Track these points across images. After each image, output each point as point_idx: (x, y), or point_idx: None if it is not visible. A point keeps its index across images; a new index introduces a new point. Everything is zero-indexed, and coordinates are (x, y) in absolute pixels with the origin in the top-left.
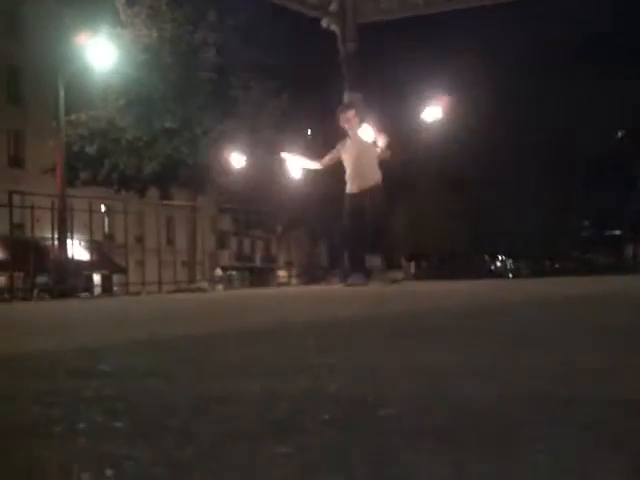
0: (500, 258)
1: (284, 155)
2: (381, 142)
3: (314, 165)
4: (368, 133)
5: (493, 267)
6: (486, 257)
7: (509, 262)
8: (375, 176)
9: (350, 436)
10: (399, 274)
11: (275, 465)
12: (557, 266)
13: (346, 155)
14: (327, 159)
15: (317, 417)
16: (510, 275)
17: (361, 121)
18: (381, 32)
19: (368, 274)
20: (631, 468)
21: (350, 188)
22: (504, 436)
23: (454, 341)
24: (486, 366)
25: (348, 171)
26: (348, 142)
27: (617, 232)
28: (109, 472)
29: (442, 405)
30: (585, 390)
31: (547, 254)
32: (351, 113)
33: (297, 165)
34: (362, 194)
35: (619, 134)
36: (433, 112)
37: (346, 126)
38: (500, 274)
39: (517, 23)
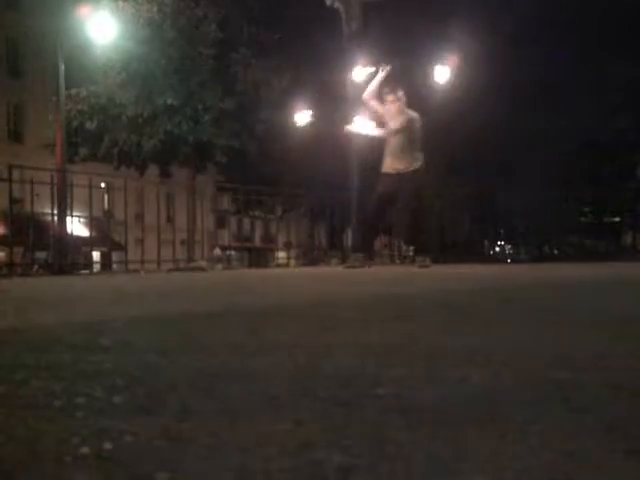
0: (499, 243)
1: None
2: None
3: (378, 132)
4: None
5: (492, 252)
6: (485, 242)
7: (508, 247)
8: (412, 160)
9: (347, 413)
10: (427, 260)
11: (273, 441)
12: (556, 252)
13: (387, 133)
14: (378, 104)
15: (314, 394)
16: (509, 260)
17: (399, 104)
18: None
19: (371, 256)
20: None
21: (383, 168)
22: (499, 417)
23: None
24: (484, 346)
25: (385, 150)
26: (390, 124)
27: (616, 219)
28: (108, 445)
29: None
30: (583, 374)
31: (546, 239)
32: (391, 97)
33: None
34: (394, 176)
35: (618, 118)
36: (443, 72)
37: (391, 108)
38: (499, 259)
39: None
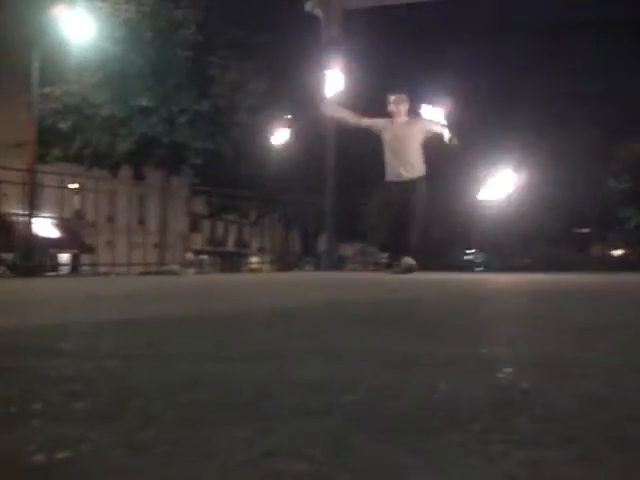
0: (470, 251)
1: (326, 101)
2: (445, 135)
3: (353, 119)
4: (429, 123)
5: (463, 260)
6: (456, 250)
7: (479, 256)
8: (420, 168)
9: (312, 421)
10: (409, 265)
11: (235, 449)
12: (526, 261)
13: (388, 138)
14: (368, 121)
15: (280, 402)
16: (481, 268)
17: (410, 111)
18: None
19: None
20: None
21: (388, 176)
22: (460, 424)
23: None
24: (447, 355)
25: (387, 157)
26: (392, 125)
27: (586, 230)
28: (64, 454)
29: (405, 393)
30: (547, 382)
31: (516, 249)
32: (403, 99)
33: (336, 111)
34: (401, 184)
35: (593, 132)
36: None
37: (394, 110)
38: (470, 267)
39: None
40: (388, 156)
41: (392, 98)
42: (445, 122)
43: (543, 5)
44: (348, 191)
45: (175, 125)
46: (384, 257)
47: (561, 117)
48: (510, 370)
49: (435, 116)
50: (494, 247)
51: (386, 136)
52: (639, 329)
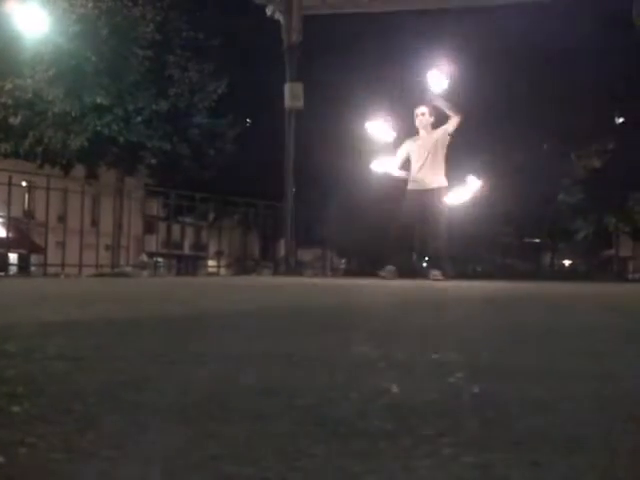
0: (424, 259)
1: (376, 166)
2: (451, 125)
3: (398, 173)
4: (445, 130)
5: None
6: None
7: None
8: (441, 179)
9: (261, 425)
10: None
11: (180, 453)
12: (478, 269)
13: (416, 152)
14: (400, 159)
15: (229, 405)
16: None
17: (432, 119)
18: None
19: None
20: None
21: (410, 185)
22: (411, 428)
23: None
24: (399, 359)
25: (412, 169)
26: (416, 141)
27: (536, 240)
28: None
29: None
30: (494, 385)
31: (469, 257)
32: (425, 110)
33: (386, 168)
34: (423, 193)
35: (544, 146)
36: (439, 79)
37: (418, 124)
38: (424, 275)
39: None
40: (412, 169)
41: (416, 111)
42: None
43: (492, 16)
44: (307, 196)
45: (131, 124)
46: (343, 263)
47: (515, 128)
48: (461, 375)
49: (441, 84)
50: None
51: (412, 153)
52: (586, 335)
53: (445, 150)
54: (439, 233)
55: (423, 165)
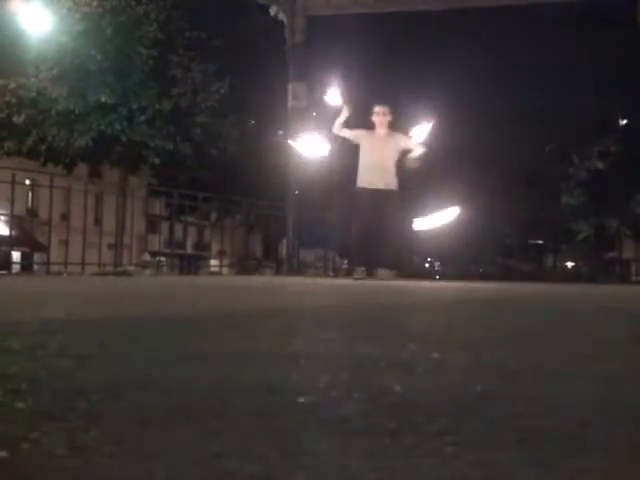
0: (428, 260)
1: (291, 142)
2: (417, 151)
3: (338, 130)
4: (406, 140)
5: (424, 268)
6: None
7: (437, 264)
8: (394, 181)
9: (265, 423)
10: (364, 272)
11: (183, 450)
12: (481, 270)
13: (365, 146)
14: (344, 130)
15: (232, 403)
16: (437, 277)
17: (391, 124)
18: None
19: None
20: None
21: (361, 182)
22: (414, 426)
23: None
24: (401, 358)
25: (362, 164)
26: (372, 135)
27: (539, 242)
28: (1, 453)
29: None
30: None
31: (472, 258)
32: (386, 111)
33: (306, 145)
34: (375, 193)
35: (547, 148)
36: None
37: (376, 121)
38: (428, 275)
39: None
40: (364, 164)
41: (376, 109)
42: (423, 140)
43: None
44: (310, 197)
45: (134, 123)
46: (344, 263)
47: (513, 135)
48: (464, 374)
49: (420, 133)
50: (450, 257)
51: (365, 145)
52: (587, 336)
53: (397, 157)
54: (394, 233)
55: (375, 163)
